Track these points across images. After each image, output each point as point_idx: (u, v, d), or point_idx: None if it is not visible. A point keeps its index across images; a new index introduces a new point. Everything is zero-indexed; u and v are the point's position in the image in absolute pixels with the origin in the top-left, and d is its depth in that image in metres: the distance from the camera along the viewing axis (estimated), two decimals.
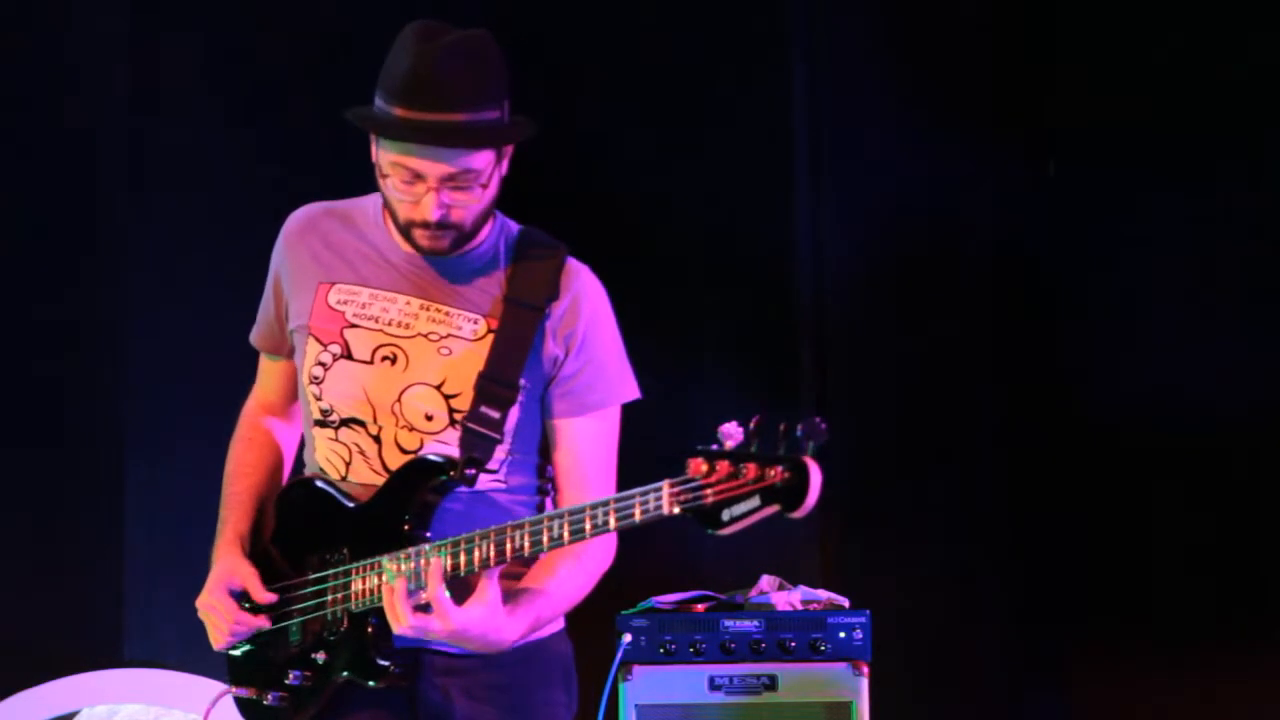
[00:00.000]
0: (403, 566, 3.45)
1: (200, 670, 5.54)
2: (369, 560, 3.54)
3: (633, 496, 3.26)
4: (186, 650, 5.54)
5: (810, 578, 5.12)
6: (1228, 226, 5.61)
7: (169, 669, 5.64)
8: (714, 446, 3.16)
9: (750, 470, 3.11)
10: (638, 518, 3.25)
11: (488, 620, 3.43)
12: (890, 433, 5.57)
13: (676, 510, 3.19)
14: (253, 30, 5.84)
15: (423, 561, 3.43)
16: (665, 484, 3.20)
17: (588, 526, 3.31)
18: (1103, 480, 5.64)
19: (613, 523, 3.27)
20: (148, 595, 5.74)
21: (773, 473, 3.09)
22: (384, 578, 3.47)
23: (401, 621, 3.42)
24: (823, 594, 5.01)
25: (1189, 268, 5.63)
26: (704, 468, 3.15)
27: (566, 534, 3.34)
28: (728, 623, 4.91)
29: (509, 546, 3.38)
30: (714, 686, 4.89)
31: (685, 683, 4.90)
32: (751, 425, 3.15)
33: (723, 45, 5.83)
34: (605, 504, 3.29)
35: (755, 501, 3.11)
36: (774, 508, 3.10)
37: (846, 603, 4.99)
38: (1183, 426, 5.57)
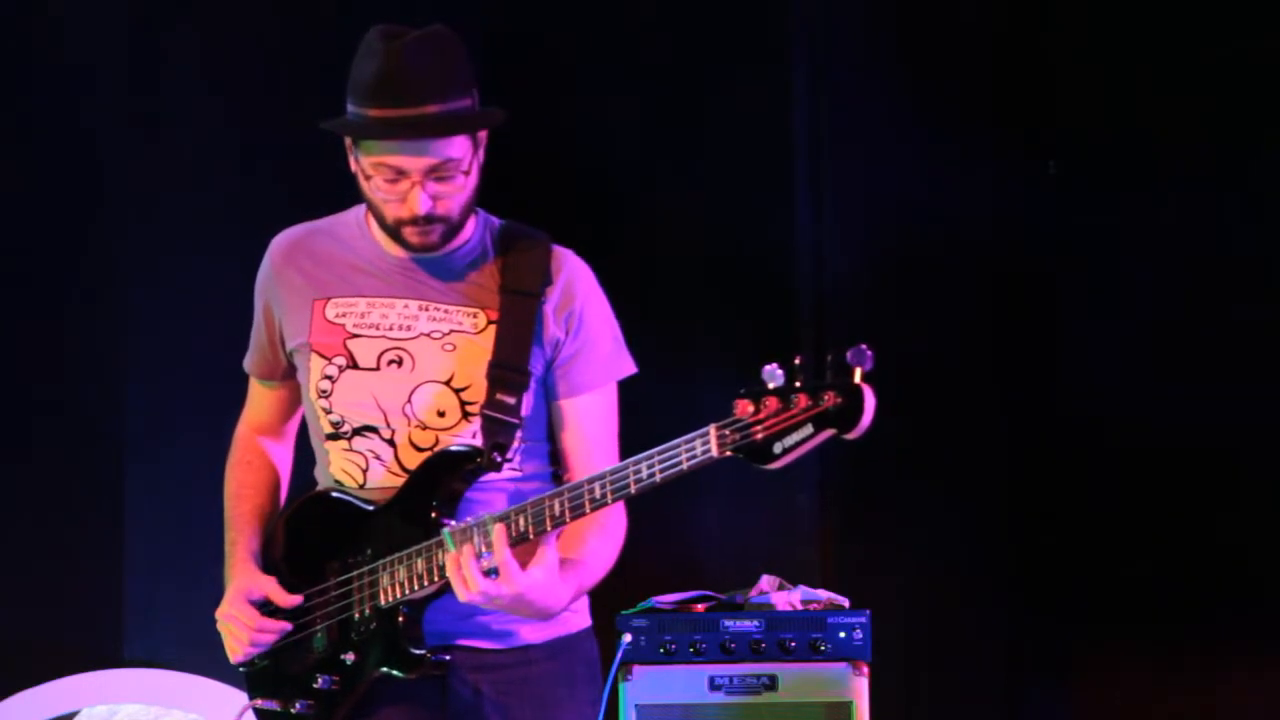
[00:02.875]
0: (465, 534, 3.46)
1: (200, 670, 5.54)
2: (398, 554, 3.56)
3: (677, 446, 3.29)
4: (186, 650, 5.54)
5: (810, 578, 5.13)
6: (1228, 226, 5.61)
7: (169, 669, 5.64)
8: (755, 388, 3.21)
9: (801, 400, 3.18)
10: (685, 465, 3.29)
11: (547, 584, 3.46)
12: (890, 432, 5.55)
13: (727, 452, 3.23)
14: (253, 30, 5.84)
15: (478, 528, 3.45)
16: (712, 428, 3.26)
17: (631, 483, 3.35)
18: (1103, 480, 5.63)
19: (658, 475, 3.31)
20: (148, 595, 5.74)
21: (825, 398, 3.16)
22: (447, 548, 3.47)
23: (471, 587, 3.44)
24: (823, 594, 5.01)
25: (1190, 267, 5.63)
26: (750, 408, 3.21)
27: (610, 494, 3.38)
28: (728, 623, 4.91)
29: (548, 515, 3.42)
30: (714, 686, 4.90)
31: (685, 683, 4.90)
32: (796, 362, 3.20)
33: (723, 45, 5.83)
34: (648, 457, 3.33)
35: (808, 429, 3.17)
36: (829, 432, 3.17)
37: (846, 603, 4.99)
38: (1183, 426, 5.57)
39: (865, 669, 4.85)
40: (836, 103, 5.83)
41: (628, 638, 4.90)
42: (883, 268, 5.76)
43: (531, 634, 3.65)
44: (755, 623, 4.91)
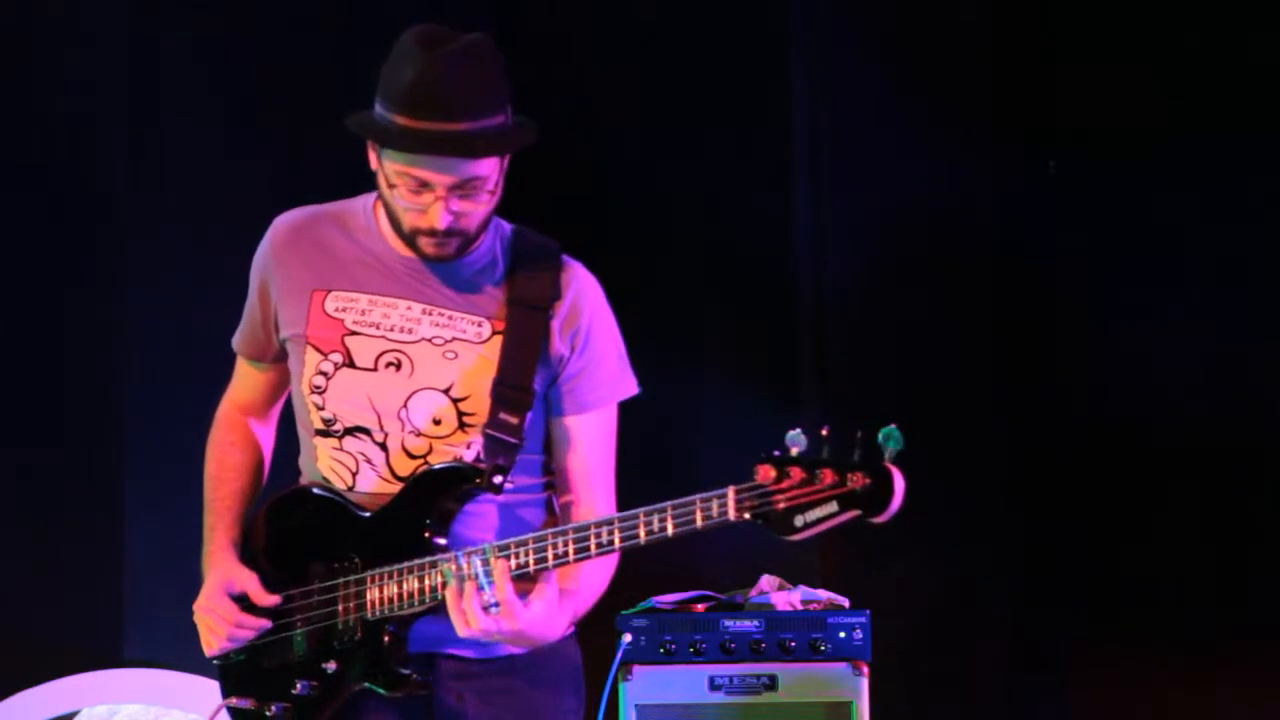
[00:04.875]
0: (467, 569, 3.43)
1: (200, 670, 5.53)
2: (388, 569, 3.53)
3: (693, 502, 3.26)
4: (186, 650, 5.51)
5: (810, 578, 5.12)
6: (1229, 226, 5.61)
7: (169, 669, 5.64)
8: (776, 453, 3.17)
9: (827, 476, 3.14)
10: (699, 524, 3.26)
11: (547, 618, 3.45)
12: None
13: (745, 516, 3.20)
14: (253, 30, 5.84)
15: (480, 562, 3.41)
16: (730, 490, 3.22)
17: (642, 534, 3.32)
18: (1103, 480, 5.63)
19: (670, 530, 3.29)
20: (148, 595, 5.73)
21: (853, 479, 3.13)
22: (445, 580, 3.44)
23: (473, 624, 3.41)
24: (823, 594, 5.01)
25: (1189, 267, 5.63)
26: (773, 474, 3.17)
27: (619, 540, 3.36)
28: (728, 623, 4.91)
29: (551, 553, 3.40)
30: (714, 686, 4.89)
31: (685, 683, 4.90)
32: (823, 433, 3.16)
33: (723, 45, 5.83)
34: (661, 510, 3.30)
35: (833, 507, 3.14)
36: (853, 513, 3.14)
37: (846, 603, 4.99)
38: (1183, 426, 5.57)
39: (865, 669, 4.85)
40: (836, 103, 5.83)
41: (628, 638, 4.89)
42: (882, 268, 5.75)
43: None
44: (755, 623, 4.91)
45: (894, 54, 5.78)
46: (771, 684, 4.89)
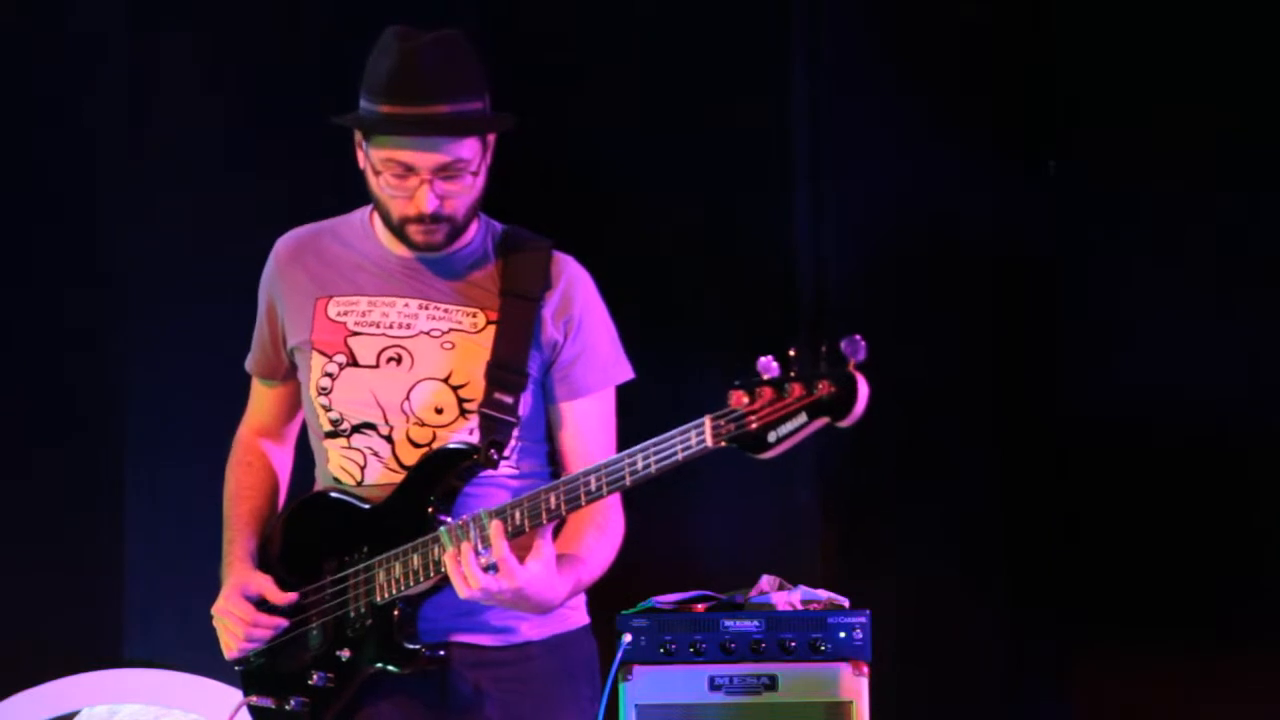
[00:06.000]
0: (463, 531, 3.50)
1: (200, 670, 5.54)
2: (394, 551, 3.59)
3: (672, 438, 3.34)
4: (186, 650, 5.54)
5: (810, 578, 5.13)
6: (1228, 226, 5.61)
7: (169, 669, 5.64)
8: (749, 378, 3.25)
9: (796, 389, 3.23)
10: (680, 457, 3.33)
11: (545, 578, 3.50)
12: (890, 432, 5.57)
13: (722, 443, 3.28)
14: (252, 30, 5.84)
15: (478, 525, 3.48)
16: (707, 418, 3.30)
17: (626, 475, 3.39)
18: (1103, 480, 5.64)
19: (654, 467, 3.35)
20: (148, 595, 5.74)
21: (820, 387, 3.22)
22: (444, 547, 3.51)
23: (471, 584, 3.47)
24: (823, 594, 5.01)
25: (1189, 268, 5.63)
26: (745, 398, 3.25)
27: (605, 486, 3.42)
28: (728, 623, 4.92)
29: (544, 509, 3.46)
30: (714, 686, 4.90)
31: (685, 683, 4.91)
32: (790, 354, 3.25)
33: (723, 45, 5.83)
34: (644, 449, 3.37)
35: (802, 418, 3.22)
36: (822, 420, 3.22)
37: (846, 603, 4.99)
38: (1182, 426, 5.57)
39: (865, 669, 4.85)
40: (836, 103, 5.83)
41: (628, 638, 4.90)
42: (882, 268, 5.76)
43: (531, 630, 3.69)
44: (755, 623, 4.91)
45: (894, 54, 5.78)
46: (771, 684, 4.89)
